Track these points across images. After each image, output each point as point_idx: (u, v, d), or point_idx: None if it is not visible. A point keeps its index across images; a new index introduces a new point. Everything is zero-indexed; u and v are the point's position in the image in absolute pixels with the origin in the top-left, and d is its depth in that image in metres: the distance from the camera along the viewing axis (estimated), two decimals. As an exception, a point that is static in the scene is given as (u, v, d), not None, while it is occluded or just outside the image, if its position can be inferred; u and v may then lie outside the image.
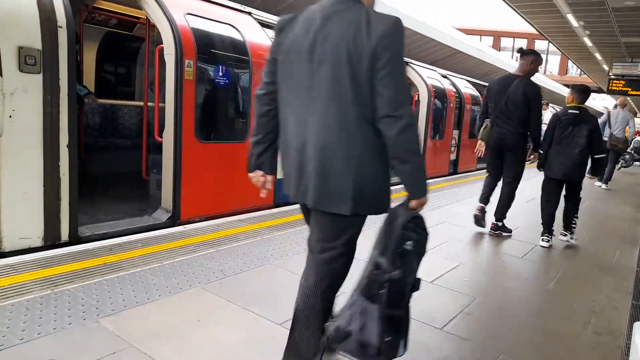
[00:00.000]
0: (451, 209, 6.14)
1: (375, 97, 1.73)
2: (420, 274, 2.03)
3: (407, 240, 1.83)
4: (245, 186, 5.05)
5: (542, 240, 4.71)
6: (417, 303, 3.01)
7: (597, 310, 3.23)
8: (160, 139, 4.45)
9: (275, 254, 3.70)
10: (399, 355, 1.79)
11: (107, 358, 2.09)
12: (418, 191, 1.93)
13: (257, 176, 2.13)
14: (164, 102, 4.41)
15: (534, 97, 4.64)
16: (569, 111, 4.68)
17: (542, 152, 4.79)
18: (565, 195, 4.90)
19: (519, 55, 4.82)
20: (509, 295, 3.38)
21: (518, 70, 4.80)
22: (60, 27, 3.49)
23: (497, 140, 4.81)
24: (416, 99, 8.90)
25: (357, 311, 1.78)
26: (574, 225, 4.91)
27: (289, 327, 2.02)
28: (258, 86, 2.02)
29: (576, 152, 4.54)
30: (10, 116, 3.26)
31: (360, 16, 1.74)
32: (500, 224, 4.97)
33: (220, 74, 4.85)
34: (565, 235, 4.92)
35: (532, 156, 4.90)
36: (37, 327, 2.27)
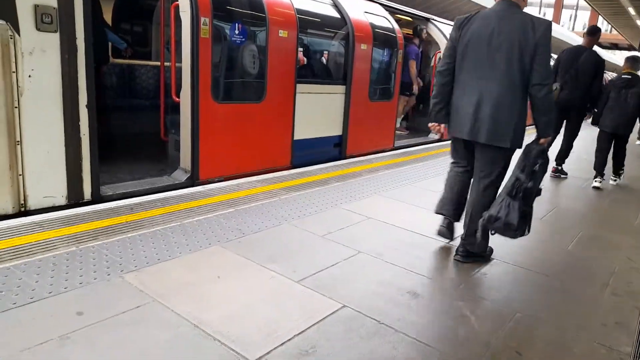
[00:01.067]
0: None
1: (532, 72, 2.76)
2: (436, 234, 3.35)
3: (537, 164, 2.81)
4: (262, 147, 5.11)
5: (595, 181, 5.73)
6: (433, 263, 3.04)
7: (616, 272, 3.20)
8: (177, 99, 4.44)
9: (293, 213, 3.74)
10: (526, 234, 2.90)
11: (131, 312, 2.18)
12: (547, 132, 2.91)
13: (434, 126, 3.17)
14: (181, 62, 4.38)
15: (600, 66, 5.67)
16: (623, 76, 5.73)
17: (596, 110, 5.83)
18: (614, 147, 5.91)
19: (588, 32, 5.91)
20: (527, 256, 3.37)
21: (585, 44, 5.84)
22: (75, -17, 3.44)
23: (565, 102, 5.68)
24: (437, 57, 8.63)
25: (505, 205, 2.81)
26: (621, 172, 6.06)
27: (305, 285, 2.05)
28: (439, 63, 3.09)
29: (628, 110, 5.59)
30: (29, 75, 3.28)
31: (526, 19, 2.77)
32: (560, 167, 6.17)
33: (237, 32, 4.77)
34: (615, 179, 6.07)
35: (587, 114, 6.03)
36: (64, 282, 2.36)
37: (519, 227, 2.81)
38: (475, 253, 3.10)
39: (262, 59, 5.01)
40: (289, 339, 2.09)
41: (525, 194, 2.80)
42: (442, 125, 3.14)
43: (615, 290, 2.92)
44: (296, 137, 5.51)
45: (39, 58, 3.31)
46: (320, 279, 2.69)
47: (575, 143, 6.14)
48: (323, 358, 1.99)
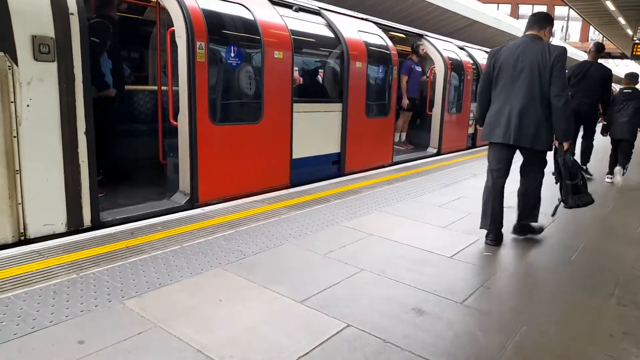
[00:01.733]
0: (469, 183, 6.07)
1: (551, 86, 3.45)
2: (439, 249, 3.60)
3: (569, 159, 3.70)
4: (260, 167, 5.12)
5: (607, 178, 6.77)
6: (437, 278, 3.03)
7: (621, 282, 3.18)
8: (175, 122, 4.46)
9: (294, 233, 3.73)
10: (589, 203, 3.78)
11: (134, 338, 2.15)
12: (566, 137, 3.58)
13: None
14: (177, 86, 4.42)
15: (609, 78, 6.56)
16: (624, 91, 6.70)
17: (605, 123, 6.85)
18: (620, 148, 6.77)
19: (594, 48, 6.66)
20: (531, 268, 3.35)
21: (591, 58, 6.63)
22: (72, 14, 3.49)
23: (574, 109, 5.86)
24: (433, 72, 8.71)
25: (565, 191, 3.76)
26: (624, 169, 6.78)
27: (308, 305, 2.04)
28: (479, 84, 3.90)
29: (631, 119, 6.51)
30: (28, 105, 3.30)
31: (544, 46, 3.52)
32: (585, 167, 6.81)
33: (232, 54, 4.82)
34: (622, 172, 6.68)
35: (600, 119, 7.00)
36: (65, 310, 2.34)
37: (574, 200, 3.75)
38: (533, 228, 3.94)
39: (258, 80, 5.06)
40: (294, 361, 2.07)
41: (571, 173, 3.71)
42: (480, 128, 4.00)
43: (621, 301, 2.89)
44: (295, 156, 5.52)
45: (37, 88, 3.34)
46: (323, 298, 2.66)
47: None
48: (329, 380, 1.96)
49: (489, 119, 3.72)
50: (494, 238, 3.73)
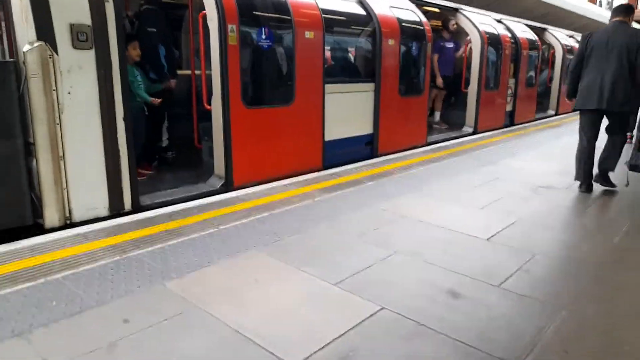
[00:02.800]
0: (507, 163, 5.90)
1: (636, 63, 4.26)
2: (475, 231, 3.51)
3: None
4: (293, 149, 5.13)
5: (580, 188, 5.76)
6: (473, 261, 2.98)
7: (669, 264, 3.04)
8: (209, 106, 4.52)
9: (327, 215, 3.74)
10: None
11: (175, 318, 2.23)
12: None
13: (571, 101, 4.71)
14: (210, 70, 4.46)
15: None
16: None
17: None
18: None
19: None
20: (571, 250, 3.25)
21: None
22: (107, 1, 3.55)
23: None
24: (469, 47, 8.43)
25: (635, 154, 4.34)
26: None
27: (342, 287, 2.09)
28: (571, 63, 4.79)
29: None
30: (69, 92, 3.41)
31: (632, 30, 4.33)
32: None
33: (264, 36, 4.81)
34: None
35: None
36: (109, 291, 2.45)
37: None
38: (610, 180, 4.69)
39: (289, 62, 5.03)
40: (329, 342, 2.09)
41: None
42: (572, 100, 4.69)
43: (669, 284, 2.78)
44: (327, 138, 5.50)
45: (77, 75, 3.44)
46: (357, 280, 2.68)
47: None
48: (363, 361, 1.98)
49: (581, 92, 4.51)
50: (586, 189, 4.58)
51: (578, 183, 4.69)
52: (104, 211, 3.68)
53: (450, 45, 8.54)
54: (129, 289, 2.48)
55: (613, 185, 4.68)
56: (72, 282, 2.53)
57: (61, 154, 3.43)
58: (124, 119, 3.73)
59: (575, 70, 4.62)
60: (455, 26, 8.45)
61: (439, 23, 8.91)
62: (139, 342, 2.04)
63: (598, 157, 4.67)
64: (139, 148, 4.20)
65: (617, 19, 4.51)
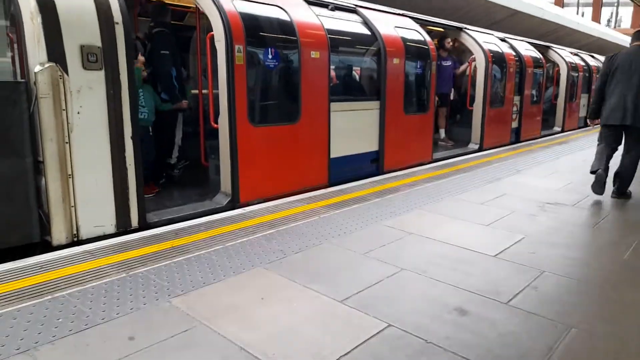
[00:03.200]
0: (512, 179, 5.89)
1: None
2: (482, 247, 3.52)
3: None
4: (299, 167, 5.16)
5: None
6: (481, 278, 2.96)
7: (680, 282, 3.00)
8: (215, 125, 4.57)
9: (333, 232, 3.74)
10: None
11: (180, 335, 2.22)
12: None
13: (593, 121, 5.22)
14: (217, 89, 4.52)
15: None
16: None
17: None
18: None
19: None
20: (580, 267, 3.21)
21: None
22: (117, 23, 3.64)
23: None
24: (473, 66, 8.50)
25: None
26: None
27: (349, 304, 2.04)
28: (597, 82, 5.12)
29: None
30: (78, 112, 3.47)
31: None
32: None
33: (270, 56, 4.88)
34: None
35: None
36: (115, 308, 2.45)
37: None
38: (626, 193, 5.13)
39: (295, 81, 5.10)
40: (335, 361, 2.07)
41: None
42: (595, 121, 5.20)
43: (681, 301, 2.73)
44: (333, 155, 5.53)
45: (87, 95, 3.51)
46: (363, 298, 2.66)
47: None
48: (370, 379, 1.96)
49: (606, 110, 4.96)
50: (604, 171, 4.88)
51: (586, 198, 4.99)
52: (111, 228, 3.70)
53: (447, 63, 8.59)
54: (135, 305, 2.48)
55: (629, 196, 5.17)
56: (78, 299, 2.54)
57: (70, 172, 3.47)
58: (132, 138, 3.78)
59: (601, 88, 5.03)
60: (451, 44, 8.54)
61: (435, 42, 9.00)
62: (144, 359, 2.03)
63: (613, 174, 5.10)
64: (146, 167, 4.26)
65: (637, 43, 4.99)
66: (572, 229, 4.01)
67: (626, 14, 35.39)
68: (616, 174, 5.08)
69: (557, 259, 3.33)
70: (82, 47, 3.47)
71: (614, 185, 5.08)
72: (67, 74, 3.41)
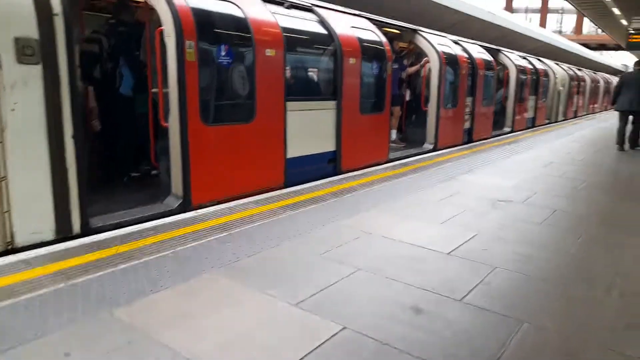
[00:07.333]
0: (465, 178, 6.01)
1: None
2: (436, 246, 3.51)
3: None
4: (254, 167, 5.04)
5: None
6: (435, 276, 2.96)
7: (621, 272, 3.12)
8: (166, 124, 4.38)
9: (289, 233, 3.65)
10: None
11: (122, 348, 2.08)
12: None
13: (614, 107, 9.81)
14: (167, 87, 4.34)
15: None
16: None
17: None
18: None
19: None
20: (530, 262, 3.28)
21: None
22: (56, 14, 3.40)
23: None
24: (427, 67, 8.64)
25: None
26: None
27: (303, 308, 1.96)
28: (615, 87, 9.89)
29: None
30: (12, 109, 3.22)
31: None
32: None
33: (223, 53, 4.74)
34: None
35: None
36: (51, 322, 2.26)
37: None
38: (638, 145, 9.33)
39: (250, 79, 4.98)
40: (288, 368, 1.99)
41: None
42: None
43: (623, 292, 2.83)
44: (289, 156, 5.44)
45: (22, 91, 3.26)
46: (319, 300, 2.60)
47: (563, 147, 9.58)
48: (324, 386, 1.89)
49: (619, 102, 9.30)
50: (620, 147, 9.14)
51: (535, 195, 5.15)
52: (50, 235, 3.45)
53: (395, 66, 8.69)
54: (73, 318, 2.30)
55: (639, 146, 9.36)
56: (9, 314, 2.33)
57: (3, 175, 3.21)
58: (74, 137, 3.55)
59: (617, 91, 9.42)
60: (399, 46, 8.64)
61: (404, 44, 9.10)
62: (80, 376, 1.88)
63: (628, 136, 9.23)
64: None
65: (637, 67, 9.32)
66: (522, 225, 4.12)
67: (570, 21, 37.29)
68: (629, 138, 9.25)
69: (508, 254, 3.39)
70: (16, 40, 3.21)
71: (629, 144, 9.27)
72: (0, 68, 3.15)
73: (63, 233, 3.50)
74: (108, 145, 5.32)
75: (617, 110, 9.36)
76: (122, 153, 5.27)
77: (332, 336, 2.24)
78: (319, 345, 2.16)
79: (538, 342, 2.28)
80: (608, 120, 17.19)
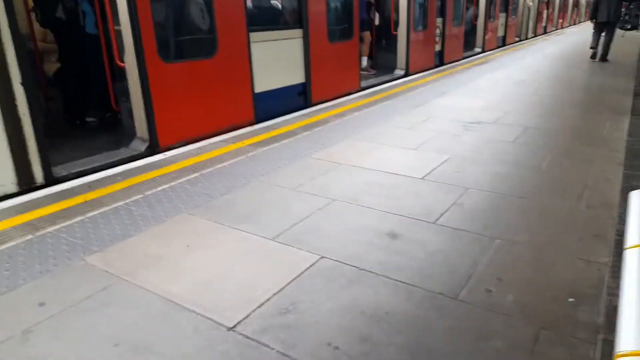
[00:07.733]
0: (437, 102, 5.96)
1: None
2: (410, 171, 3.53)
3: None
4: (221, 104, 4.86)
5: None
6: (410, 201, 2.99)
7: (590, 185, 3.21)
8: (122, 63, 4.12)
9: (262, 170, 3.60)
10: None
11: (97, 294, 2.05)
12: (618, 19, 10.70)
13: (592, 21, 10.48)
14: (119, 24, 4.02)
15: None
16: None
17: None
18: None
19: None
20: (502, 181, 3.34)
21: None
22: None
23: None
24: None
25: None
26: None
27: (280, 241, 1.97)
28: (593, 3, 10.31)
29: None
30: (-52, 57, 2.95)
31: None
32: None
33: (176, -17, 4.38)
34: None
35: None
36: (21, 274, 2.21)
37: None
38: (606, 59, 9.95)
39: (208, 10, 4.65)
40: (268, 299, 2.02)
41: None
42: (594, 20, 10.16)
43: (590, 203, 2.92)
44: (257, 90, 5.25)
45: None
46: (295, 232, 2.60)
47: (534, 64, 9.83)
48: (304, 313, 1.93)
49: (599, 14, 9.75)
50: (593, 55, 9.97)
51: (506, 114, 5.21)
52: (12, 187, 3.31)
53: None
54: (45, 269, 2.25)
55: (607, 60, 9.86)
56: (-24, 270, 2.26)
57: (-50, 128, 3.00)
58: (23, 84, 3.30)
59: (594, 6, 9.92)
60: None
61: None
62: (57, 325, 1.86)
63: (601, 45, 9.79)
64: None
65: None
66: (495, 145, 4.15)
67: None
68: (602, 50, 9.81)
69: (481, 175, 3.43)
70: None
71: (600, 57, 9.87)
72: None
73: (26, 184, 3.36)
74: (79, 88, 5.03)
75: (598, 22, 10.07)
76: (94, 95, 5.00)
77: (311, 266, 2.27)
78: (298, 276, 2.18)
79: (510, 256, 2.35)
80: (576, 34, 17.12)
